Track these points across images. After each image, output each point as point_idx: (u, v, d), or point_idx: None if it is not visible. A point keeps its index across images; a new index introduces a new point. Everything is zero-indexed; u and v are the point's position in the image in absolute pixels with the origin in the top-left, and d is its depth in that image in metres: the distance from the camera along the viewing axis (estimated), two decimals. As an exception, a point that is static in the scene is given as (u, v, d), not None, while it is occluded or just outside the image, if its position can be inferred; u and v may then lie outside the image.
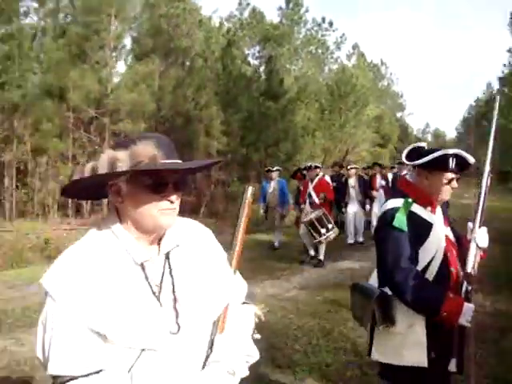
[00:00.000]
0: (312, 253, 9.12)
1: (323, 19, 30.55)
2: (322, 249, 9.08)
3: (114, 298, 1.26)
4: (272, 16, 28.99)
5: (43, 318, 1.29)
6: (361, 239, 11.68)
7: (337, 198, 11.95)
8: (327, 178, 12.29)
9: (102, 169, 1.27)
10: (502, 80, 34.35)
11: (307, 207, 9.11)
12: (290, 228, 12.26)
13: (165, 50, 14.75)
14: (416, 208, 2.39)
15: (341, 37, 32.23)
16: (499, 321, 5.46)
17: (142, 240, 1.37)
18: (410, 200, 2.38)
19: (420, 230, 2.34)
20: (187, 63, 16.03)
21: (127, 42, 15.87)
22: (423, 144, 2.54)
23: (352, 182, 11.85)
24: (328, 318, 5.77)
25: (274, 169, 11.05)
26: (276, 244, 11.11)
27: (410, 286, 2.22)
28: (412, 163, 2.45)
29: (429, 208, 2.43)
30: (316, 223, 8.37)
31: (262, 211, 11.22)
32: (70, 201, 13.48)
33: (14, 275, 8.64)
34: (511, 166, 32.66)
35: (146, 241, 1.37)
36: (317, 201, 9.04)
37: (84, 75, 13.11)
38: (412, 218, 2.35)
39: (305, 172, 9.85)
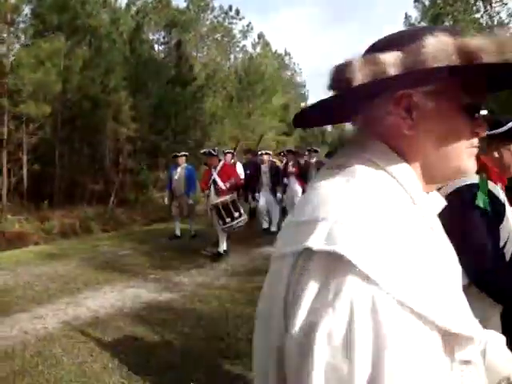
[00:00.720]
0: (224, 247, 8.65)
1: (230, 7, 30.49)
2: (223, 239, 8.62)
3: (440, 281, 0.72)
4: (178, 1, 28.45)
5: (345, 328, 0.62)
6: (273, 229, 10.88)
7: (251, 186, 11.72)
8: (239, 165, 12.16)
9: (437, 60, 0.73)
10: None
11: (212, 195, 8.64)
12: (202, 216, 11.80)
13: (71, 28, 13.74)
14: (490, 185, 2.10)
15: (247, 25, 32.42)
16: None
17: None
18: (484, 176, 2.09)
19: (498, 209, 2.08)
20: (94, 44, 15.10)
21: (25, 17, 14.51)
22: (485, 111, 2.26)
23: (264, 168, 11.42)
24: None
25: (180, 154, 10.59)
26: (192, 232, 10.71)
27: (500, 276, 1.99)
28: (491, 133, 2.12)
29: (499, 185, 2.17)
30: (230, 206, 8.23)
31: (166, 200, 10.93)
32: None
33: None
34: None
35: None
36: (223, 186, 8.51)
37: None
38: (490, 196, 2.06)
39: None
